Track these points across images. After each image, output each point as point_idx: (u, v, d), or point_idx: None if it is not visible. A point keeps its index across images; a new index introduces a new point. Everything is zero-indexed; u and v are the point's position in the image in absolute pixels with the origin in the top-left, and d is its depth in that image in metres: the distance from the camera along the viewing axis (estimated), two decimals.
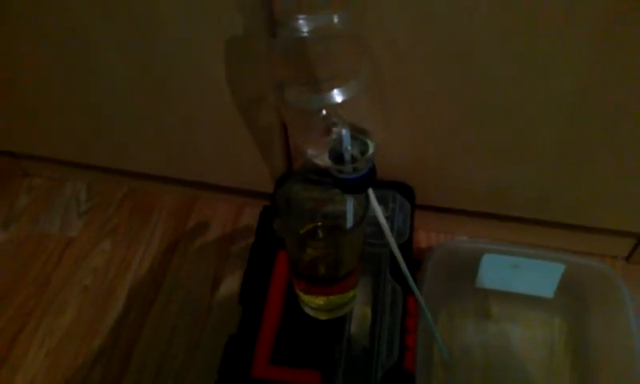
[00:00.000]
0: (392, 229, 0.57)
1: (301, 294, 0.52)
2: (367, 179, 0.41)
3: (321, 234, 0.49)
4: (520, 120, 0.54)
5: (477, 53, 0.49)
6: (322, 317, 0.53)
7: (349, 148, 0.40)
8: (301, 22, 0.34)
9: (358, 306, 0.54)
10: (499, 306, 0.65)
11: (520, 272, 0.62)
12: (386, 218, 0.58)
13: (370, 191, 0.43)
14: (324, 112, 0.40)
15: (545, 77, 0.50)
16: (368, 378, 0.49)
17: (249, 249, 0.59)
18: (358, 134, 0.40)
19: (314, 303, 0.52)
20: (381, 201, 0.60)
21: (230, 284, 0.69)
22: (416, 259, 0.60)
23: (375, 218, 0.45)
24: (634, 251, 0.68)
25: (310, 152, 0.41)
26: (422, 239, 0.73)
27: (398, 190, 0.60)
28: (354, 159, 0.40)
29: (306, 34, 0.34)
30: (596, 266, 0.60)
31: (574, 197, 0.62)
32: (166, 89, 0.61)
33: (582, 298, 0.62)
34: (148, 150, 0.71)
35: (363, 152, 0.40)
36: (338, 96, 0.35)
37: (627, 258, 0.70)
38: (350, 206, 0.45)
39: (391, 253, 0.48)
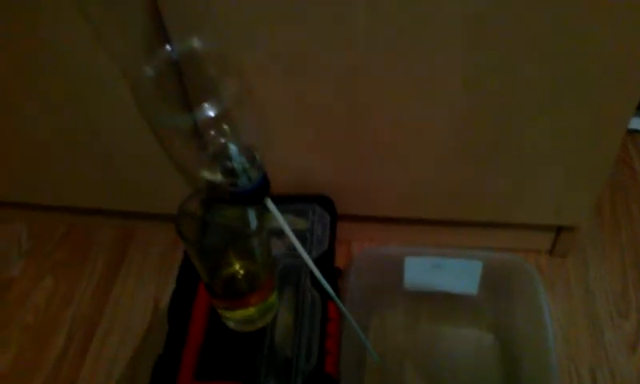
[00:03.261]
0: (312, 239, 0.60)
1: (222, 311, 0.54)
2: (262, 187, 0.44)
3: (230, 252, 0.51)
4: (413, 121, 0.57)
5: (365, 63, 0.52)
6: (246, 329, 0.54)
7: (238, 160, 0.42)
8: (167, 48, 0.37)
9: (282, 316, 0.56)
10: (428, 307, 0.67)
11: (442, 272, 0.64)
12: (306, 229, 0.61)
13: (269, 200, 0.45)
14: (212, 133, 0.43)
15: (430, 73, 0.52)
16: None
17: None
18: (244, 147, 0.43)
19: (235, 318, 0.54)
20: (301, 214, 0.62)
21: None
22: (339, 268, 0.63)
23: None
24: (555, 244, 0.71)
25: (205, 175, 0.44)
26: (356, 250, 0.75)
27: (318, 203, 0.63)
28: (245, 170, 0.43)
29: (173, 59, 0.37)
30: (510, 260, 0.62)
31: (483, 195, 0.64)
32: (92, 127, 0.63)
33: (505, 293, 0.64)
34: (84, 186, 0.73)
35: (252, 162, 0.43)
36: (209, 110, 0.38)
37: (550, 252, 0.72)
38: (252, 219, 0.47)
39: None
